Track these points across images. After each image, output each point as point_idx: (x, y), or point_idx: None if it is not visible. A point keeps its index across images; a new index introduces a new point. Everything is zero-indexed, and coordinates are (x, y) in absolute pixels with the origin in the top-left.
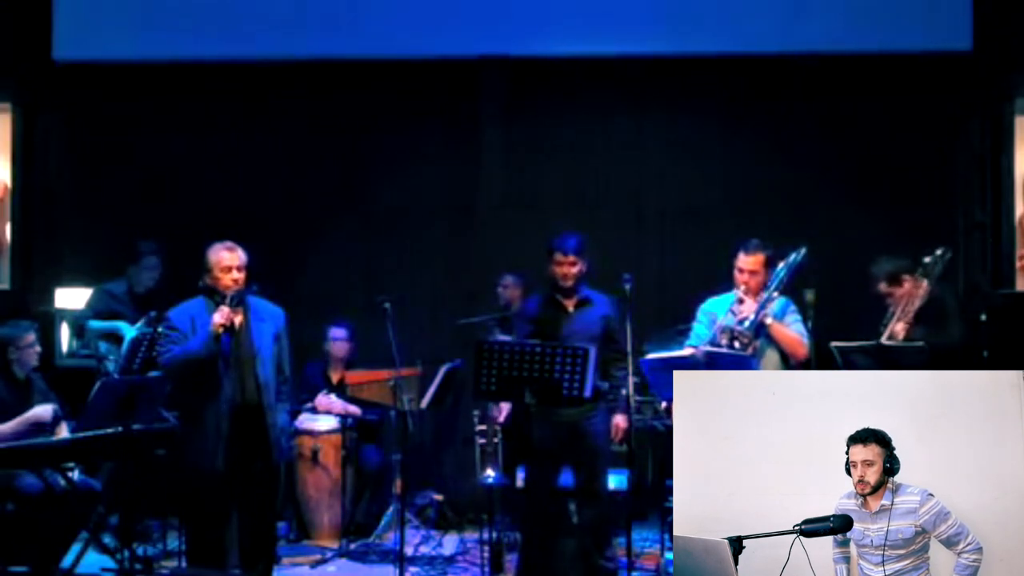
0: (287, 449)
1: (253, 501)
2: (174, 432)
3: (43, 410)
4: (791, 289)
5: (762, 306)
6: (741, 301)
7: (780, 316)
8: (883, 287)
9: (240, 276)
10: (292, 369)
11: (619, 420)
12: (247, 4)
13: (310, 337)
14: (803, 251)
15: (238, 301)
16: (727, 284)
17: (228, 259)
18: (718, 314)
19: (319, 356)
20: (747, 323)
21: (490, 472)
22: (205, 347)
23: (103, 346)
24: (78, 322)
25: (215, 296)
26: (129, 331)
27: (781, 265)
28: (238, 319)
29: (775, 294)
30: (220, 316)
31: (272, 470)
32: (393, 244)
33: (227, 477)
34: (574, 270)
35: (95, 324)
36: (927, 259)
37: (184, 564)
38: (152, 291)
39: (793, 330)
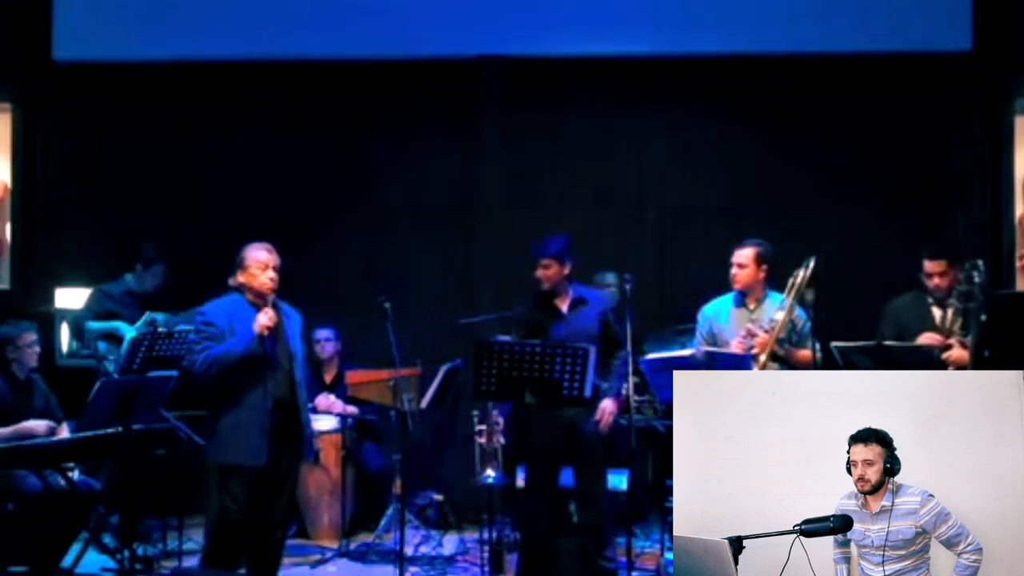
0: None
1: (276, 500)
2: (174, 432)
3: (37, 425)
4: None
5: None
6: (752, 335)
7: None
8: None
9: (276, 277)
10: None
11: (606, 404)
12: (247, 4)
13: (308, 337)
14: (811, 263)
15: (274, 303)
16: (727, 284)
17: (266, 259)
18: (718, 316)
19: (311, 357)
20: (761, 359)
21: (490, 472)
22: (249, 347)
23: (102, 346)
24: (77, 323)
25: (247, 295)
26: (128, 331)
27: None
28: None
29: (785, 319)
30: (267, 318)
31: (298, 469)
32: (393, 244)
33: (267, 474)
34: (549, 272)
35: (93, 325)
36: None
37: (183, 564)
38: (149, 294)
39: (806, 346)
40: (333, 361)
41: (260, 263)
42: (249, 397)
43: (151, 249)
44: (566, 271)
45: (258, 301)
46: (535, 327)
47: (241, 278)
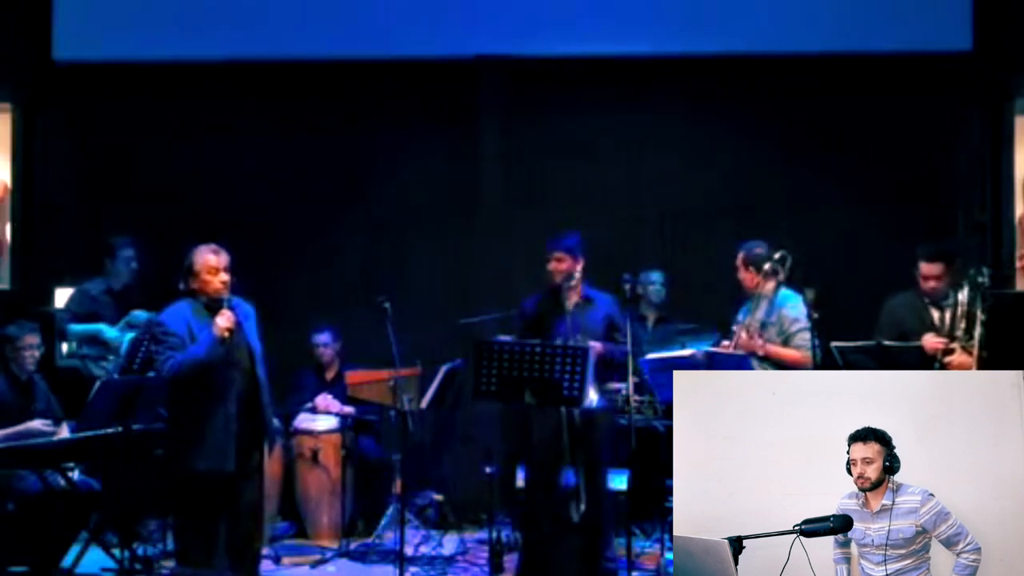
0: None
1: (245, 498)
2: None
3: (38, 425)
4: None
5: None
6: (741, 336)
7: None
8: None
9: (227, 278)
10: (290, 371)
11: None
12: (247, 4)
13: (309, 338)
14: (787, 261)
15: (230, 303)
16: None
17: (215, 261)
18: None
19: (311, 361)
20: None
21: None
22: (211, 352)
23: (86, 349)
24: (59, 326)
25: (201, 299)
26: (110, 331)
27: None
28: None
29: (750, 319)
30: (225, 320)
31: (263, 466)
32: (393, 244)
33: (235, 477)
34: (562, 267)
35: (76, 328)
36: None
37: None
38: (130, 287)
39: (793, 345)
40: (334, 362)
41: (210, 267)
42: (213, 402)
43: (119, 240)
44: (578, 267)
45: (213, 304)
46: (540, 321)
47: (193, 284)
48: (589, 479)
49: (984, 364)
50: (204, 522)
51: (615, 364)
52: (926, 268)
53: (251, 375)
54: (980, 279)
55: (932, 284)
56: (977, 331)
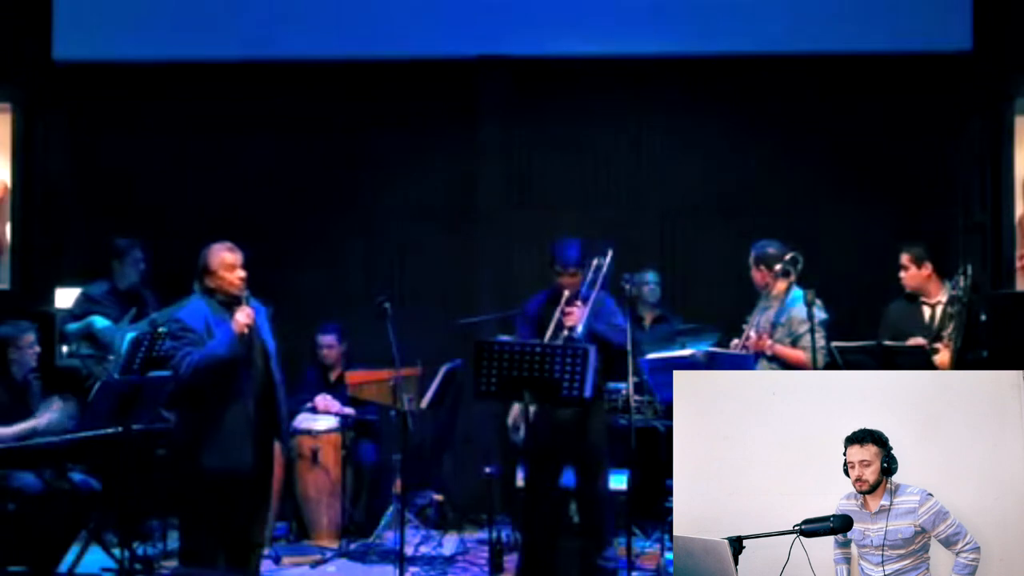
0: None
1: (256, 497)
2: (175, 432)
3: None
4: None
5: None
6: (748, 336)
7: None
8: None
9: (244, 274)
10: (291, 371)
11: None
12: (247, 4)
13: (309, 338)
14: (798, 261)
15: (247, 300)
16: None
17: (231, 258)
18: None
19: (315, 359)
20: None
21: None
22: (230, 349)
23: (84, 349)
24: (59, 327)
25: (217, 297)
26: (100, 322)
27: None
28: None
29: (780, 318)
30: (245, 316)
31: (272, 465)
32: (393, 244)
33: (250, 475)
34: (575, 279)
35: (71, 327)
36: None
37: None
38: (136, 286)
39: (801, 346)
40: (338, 364)
41: (228, 264)
42: (231, 400)
43: (125, 242)
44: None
45: (231, 301)
46: (543, 322)
47: (210, 283)
48: (589, 479)
49: (984, 364)
50: (213, 521)
51: (612, 349)
52: (901, 258)
53: (266, 373)
54: (962, 279)
55: (901, 273)
56: (949, 329)
